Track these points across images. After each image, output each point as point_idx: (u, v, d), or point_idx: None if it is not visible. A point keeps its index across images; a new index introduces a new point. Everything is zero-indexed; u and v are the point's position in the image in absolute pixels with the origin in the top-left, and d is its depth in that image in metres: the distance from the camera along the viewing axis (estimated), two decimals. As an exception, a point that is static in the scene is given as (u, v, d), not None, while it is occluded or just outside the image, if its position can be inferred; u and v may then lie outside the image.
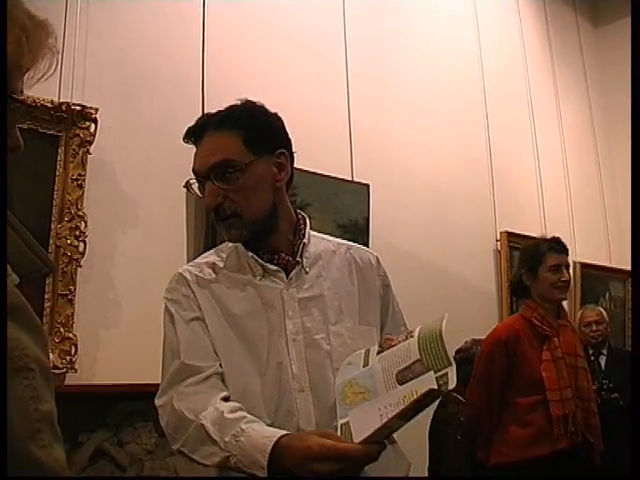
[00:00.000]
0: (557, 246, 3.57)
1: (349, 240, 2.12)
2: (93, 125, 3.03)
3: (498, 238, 5.07)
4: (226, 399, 1.71)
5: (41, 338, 0.80)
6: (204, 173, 1.78)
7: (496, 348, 3.46)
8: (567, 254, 3.60)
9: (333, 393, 1.74)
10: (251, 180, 1.77)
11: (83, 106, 3.00)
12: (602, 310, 5.21)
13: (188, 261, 3.30)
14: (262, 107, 1.86)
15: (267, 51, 3.92)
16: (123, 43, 3.30)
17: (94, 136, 3.03)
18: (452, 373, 1.44)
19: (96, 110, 3.03)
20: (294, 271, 1.86)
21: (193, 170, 1.81)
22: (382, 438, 1.48)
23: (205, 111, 3.48)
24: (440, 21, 5.20)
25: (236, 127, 1.80)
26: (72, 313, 2.92)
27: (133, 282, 3.15)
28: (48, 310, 2.86)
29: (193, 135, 1.83)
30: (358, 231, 3.94)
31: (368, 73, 4.45)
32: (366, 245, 3.90)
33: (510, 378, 3.41)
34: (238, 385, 1.76)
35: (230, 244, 1.94)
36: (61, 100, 2.94)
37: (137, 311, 3.14)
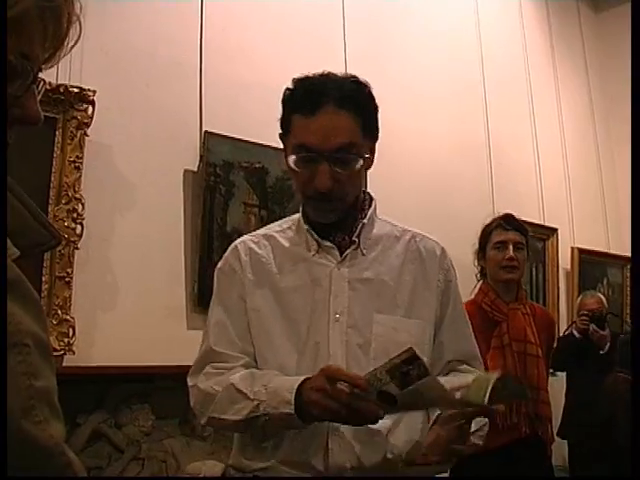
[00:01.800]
0: (504, 223, 3.34)
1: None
2: (91, 107, 3.02)
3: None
4: None
5: (38, 313, 0.78)
6: (326, 152, 1.67)
7: None
8: (521, 232, 3.35)
9: None
10: (361, 166, 1.73)
11: (81, 88, 2.99)
12: (601, 296, 5.17)
13: (185, 244, 3.34)
14: (370, 89, 1.79)
15: (265, 34, 3.90)
16: (121, 26, 3.29)
17: (92, 118, 3.03)
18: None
19: (94, 92, 3.02)
20: (349, 250, 1.81)
21: (303, 144, 1.70)
22: (373, 388, 1.45)
23: (203, 95, 3.50)
24: (439, 5, 5.18)
25: (357, 110, 1.72)
26: (70, 295, 2.93)
27: (130, 264, 3.15)
28: (46, 292, 2.87)
29: (305, 104, 1.70)
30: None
31: (366, 57, 4.43)
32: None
33: None
34: (274, 363, 1.75)
35: (296, 215, 1.91)
36: (59, 82, 2.92)
37: (134, 293, 3.14)
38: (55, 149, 2.96)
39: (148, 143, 3.30)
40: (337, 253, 1.80)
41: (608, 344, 4.77)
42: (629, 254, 6.29)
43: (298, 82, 1.77)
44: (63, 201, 2.94)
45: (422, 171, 4.68)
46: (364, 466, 1.66)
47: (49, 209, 2.91)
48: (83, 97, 3.00)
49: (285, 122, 1.76)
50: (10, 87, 0.83)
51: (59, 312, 2.88)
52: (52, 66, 0.90)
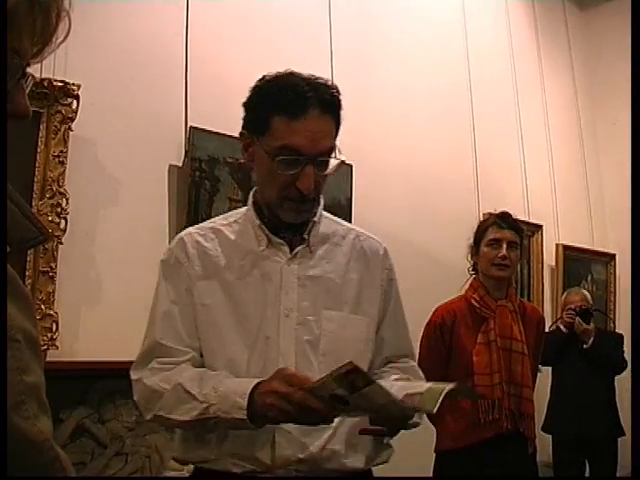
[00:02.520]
0: (500, 220, 3.36)
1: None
2: (75, 102, 3.01)
3: (481, 219, 5.04)
4: None
5: (28, 309, 0.79)
6: (313, 155, 1.71)
7: (432, 332, 3.35)
8: (516, 231, 3.37)
9: (316, 375, 1.72)
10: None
11: (65, 82, 2.98)
12: (586, 293, 5.20)
13: (170, 239, 3.30)
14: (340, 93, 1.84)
15: (251, 30, 3.88)
16: (106, 20, 3.28)
17: (76, 113, 3.01)
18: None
19: (78, 87, 3.00)
20: (299, 248, 1.83)
21: (289, 146, 1.70)
22: (324, 392, 1.47)
23: (188, 91, 3.49)
24: (425, 3, 5.18)
25: (334, 115, 1.78)
26: (53, 290, 2.92)
27: (114, 259, 3.15)
28: (29, 287, 2.84)
29: (291, 105, 1.71)
30: (341, 211, 3.92)
31: (353, 55, 4.43)
32: (349, 225, 3.90)
33: (448, 363, 3.31)
34: (223, 357, 1.76)
35: (242, 210, 1.94)
36: (43, 76, 2.90)
37: (118, 288, 3.14)
38: (39, 143, 2.94)
39: (133, 138, 3.29)
40: (287, 250, 1.83)
41: (592, 338, 4.83)
42: (613, 251, 6.36)
43: (274, 82, 1.78)
44: (47, 195, 2.93)
45: (408, 169, 4.69)
46: (310, 458, 1.71)
47: (33, 203, 2.90)
48: (67, 91, 2.98)
49: (261, 122, 1.75)
50: None
51: (42, 307, 2.87)
52: (40, 61, 0.90)
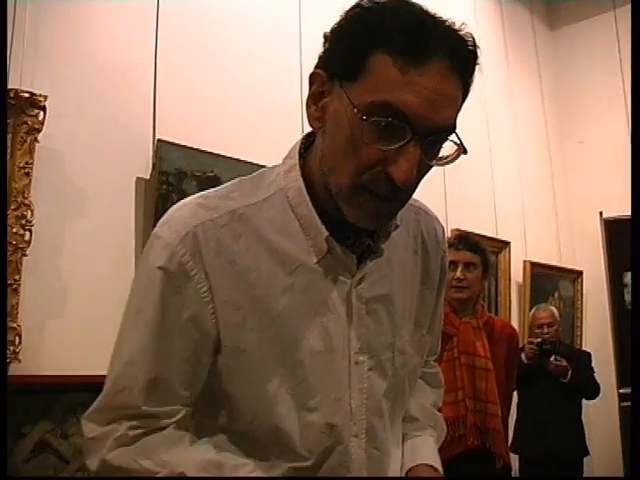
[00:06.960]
0: (456, 242, 3.42)
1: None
2: (42, 113, 2.98)
3: (449, 236, 5.06)
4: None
5: None
6: (426, 127, 1.11)
7: None
8: (474, 252, 3.41)
9: (387, 440, 1.33)
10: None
11: (32, 93, 2.94)
12: (554, 310, 5.21)
13: (137, 252, 3.29)
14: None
15: (219, 45, 3.88)
16: (74, 31, 3.26)
17: (43, 124, 2.98)
18: None
19: (45, 98, 2.98)
20: (370, 263, 1.28)
21: (393, 105, 1.07)
22: None
23: (156, 103, 3.47)
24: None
25: (463, 79, 1.18)
26: (17, 303, 2.87)
27: (80, 272, 3.11)
28: (-8, 299, 2.81)
29: (407, 43, 1.07)
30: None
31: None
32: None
33: None
34: (267, 425, 1.20)
35: (271, 178, 1.28)
36: (9, 87, 2.88)
37: (84, 301, 3.10)
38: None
39: (100, 150, 3.26)
40: (355, 264, 1.26)
41: (570, 371, 4.79)
42: (580, 268, 6.41)
43: (384, 8, 1.11)
44: (12, 207, 2.88)
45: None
46: None
47: (-3, 215, 2.86)
48: (34, 102, 2.95)
49: (354, 59, 1.11)
50: None
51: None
52: None
